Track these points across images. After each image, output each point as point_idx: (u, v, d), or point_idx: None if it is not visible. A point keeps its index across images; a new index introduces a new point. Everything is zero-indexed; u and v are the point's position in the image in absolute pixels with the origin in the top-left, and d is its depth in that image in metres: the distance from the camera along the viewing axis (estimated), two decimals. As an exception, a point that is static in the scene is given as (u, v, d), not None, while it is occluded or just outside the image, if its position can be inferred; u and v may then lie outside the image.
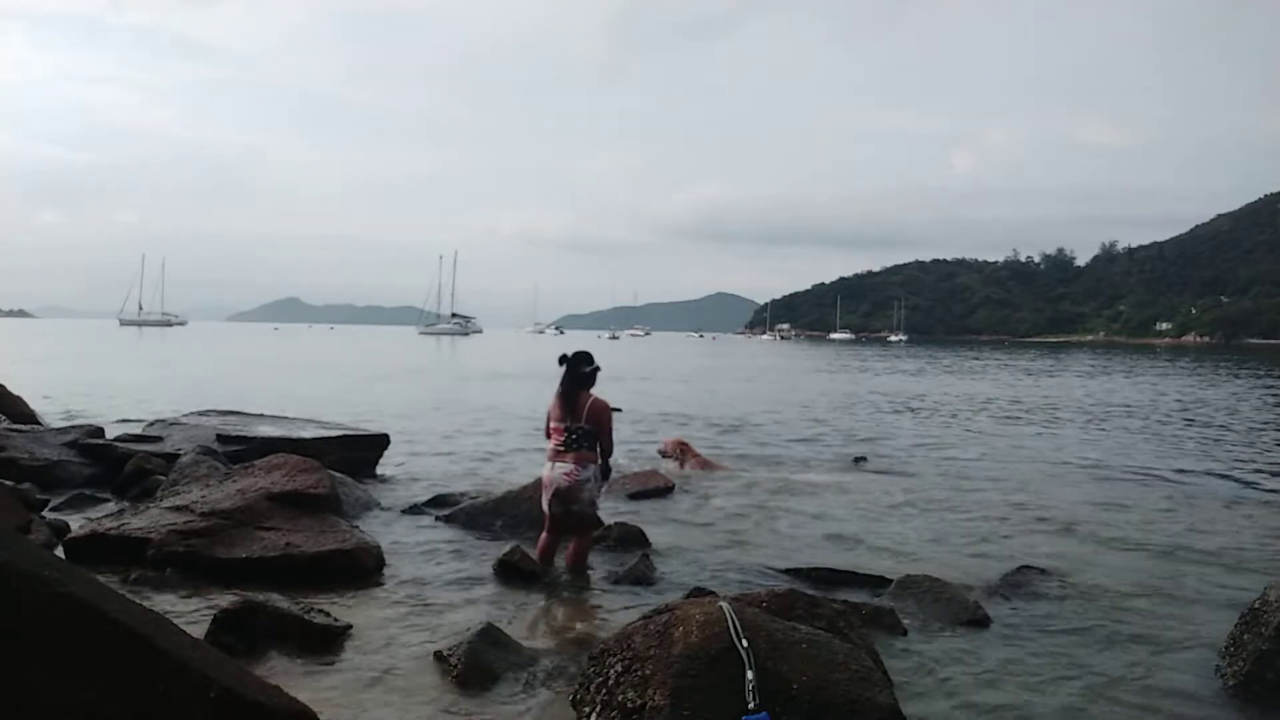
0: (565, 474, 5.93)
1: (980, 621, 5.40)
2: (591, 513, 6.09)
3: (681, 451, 11.21)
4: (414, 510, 8.12)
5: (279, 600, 4.61)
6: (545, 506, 6.14)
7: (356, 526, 6.63)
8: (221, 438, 9.53)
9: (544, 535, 6.23)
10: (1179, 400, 26.10)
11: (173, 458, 8.45)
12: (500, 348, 65.96)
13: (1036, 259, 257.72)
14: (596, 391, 6.13)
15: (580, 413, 5.93)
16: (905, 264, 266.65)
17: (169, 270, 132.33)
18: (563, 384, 6.04)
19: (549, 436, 6.14)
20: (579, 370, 6.03)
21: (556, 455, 6.00)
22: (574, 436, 5.93)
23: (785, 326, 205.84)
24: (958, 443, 14.94)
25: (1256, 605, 4.58)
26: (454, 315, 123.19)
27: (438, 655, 4.36)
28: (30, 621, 2.46)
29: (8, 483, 7.20)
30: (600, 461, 6.11)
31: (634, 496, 8.95)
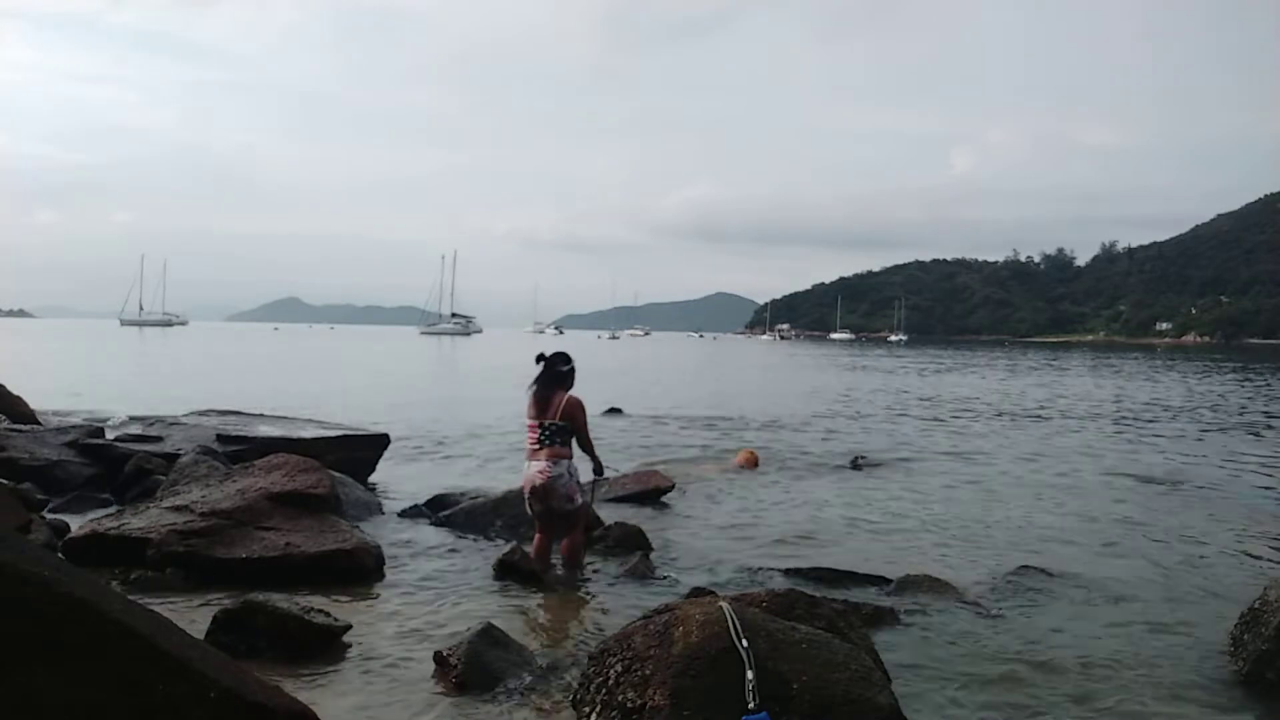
0: (540, 471, 5.98)
1: (980, 621, 5.40)
2: (571, 508, 6.08)
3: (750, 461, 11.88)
4: (414, 510, 8.12)
5: (279, 600, 4.60)
6: (528, 507, 6.19)
7: (356, 526, 6.62)
8: (221, 438, 9.52)
9: (537, 536, 6.27)
10: (1186, 399, 26.10)
11: (173, 458, 8.45)
12: (502, 349, 65.89)
13: (1036, 259, 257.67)
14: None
15: (554, 410, 5.99)
16: (905, 264, 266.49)
17: (169, 270, 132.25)
18: (538, 382, 6.10)
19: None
20: (555, 369, 6.10)
21: (532, 453, 6.06)
22: (547, 433, 6.00)
23: (785, 326, 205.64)
24: (959, 443, 14.95)
25: (1256, 605, 4.59)
26: (454, 315, 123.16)
27: (438, 655, 4.36)
28: (30, 621, 2.46)
29: (7, 483, 7.20)
30: (579, 457, 6.16)
31: (634, 496, 8.95)
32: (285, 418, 11.39)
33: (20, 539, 2.94)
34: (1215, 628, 5.16)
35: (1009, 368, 48.13)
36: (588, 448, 6.17)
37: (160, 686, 2.55)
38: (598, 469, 6.44)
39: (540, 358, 6.18)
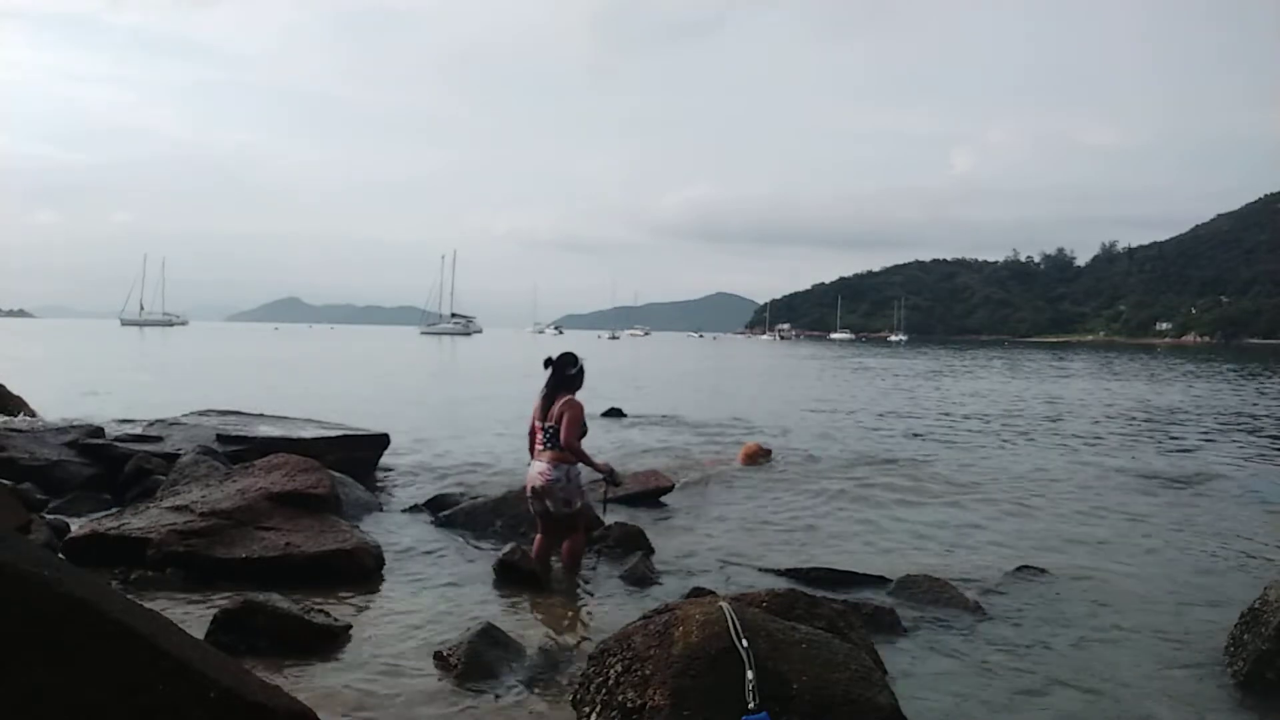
0: (540, 473, 5.98)
1: (980, 621, 5.41)
2: (569, 511, 6.04)
3: (756, 454, 12.19)
4: (414, 510, 8.12)
5: (279, 600, 4.60)
6: (529, 507, 6.19)
7: (356, 526, 6.63)
8: (221, 438, 9.52)
9: (537, 537, 6.26)
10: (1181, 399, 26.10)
11: (173, 458, 8.45)
12: (502, 349, 65.88)
13: (1036, 259, 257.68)
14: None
15: (555, 413, 5.98)
16: (905, 264, 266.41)
17: (169, 270, 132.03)
18: (547, 385, 6.09)
19: (531, 436, 6.17)
20: (564, 372, 6.08)
21: (536, 455, 6.07)
22: (549, 436, 5.99)
23: (785, 326, 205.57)
24: (961, 444, 14.94)
25: (1256, 605, 4.59)
26: (454, 315, 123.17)
27: (438, 655, 4.36)
28: (30, 621, 2.46)
29: (7, 483, 7.20)
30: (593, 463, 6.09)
31: (634, 496, 8.93)
32: (285, 418, 11.38)
33: (20, 539, 2.94)
34: (1215, 627, 5.16)
35: (1010, 368, 48.11)
36: (567, 446, 5.90)
37: (160, 686, 2.55)
38: (610, 479, 6.23)
39: (548, 362, 6.15)
